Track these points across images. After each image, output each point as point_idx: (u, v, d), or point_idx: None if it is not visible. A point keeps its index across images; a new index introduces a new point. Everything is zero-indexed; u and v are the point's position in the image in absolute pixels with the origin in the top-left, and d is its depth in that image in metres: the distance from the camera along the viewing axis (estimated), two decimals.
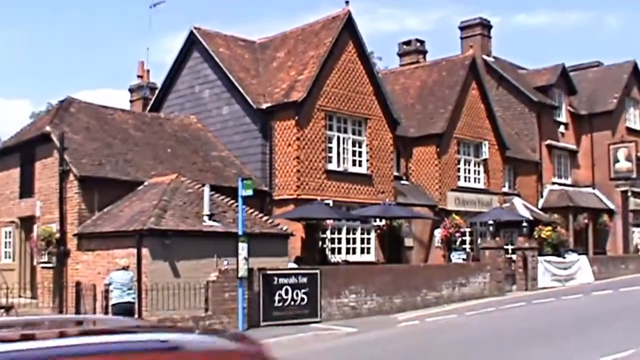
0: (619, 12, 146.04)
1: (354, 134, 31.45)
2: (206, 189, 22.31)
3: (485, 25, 46.70)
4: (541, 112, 44.99)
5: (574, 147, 48.10)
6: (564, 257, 36.05)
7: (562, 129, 47.10)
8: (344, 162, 30.80)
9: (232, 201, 23.08)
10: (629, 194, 47.93)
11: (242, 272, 20.03)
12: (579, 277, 35.34)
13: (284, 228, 24.23)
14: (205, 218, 21.87)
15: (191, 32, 32.89)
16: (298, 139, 28.96)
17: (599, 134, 48.32)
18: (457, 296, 27.63)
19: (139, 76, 37.82)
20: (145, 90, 36.89)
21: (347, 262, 29.31)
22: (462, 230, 35.12)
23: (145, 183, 24.55)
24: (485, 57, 45.46)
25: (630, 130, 49.89)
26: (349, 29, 31.46)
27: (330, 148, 30.37)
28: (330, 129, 30.49)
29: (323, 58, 30.17)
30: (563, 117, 47.45)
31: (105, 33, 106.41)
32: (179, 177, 24.15)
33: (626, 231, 47.82)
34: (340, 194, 30.19)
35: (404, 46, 46.82)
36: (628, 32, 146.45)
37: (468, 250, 35.51)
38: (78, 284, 20.84)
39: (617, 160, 46.95)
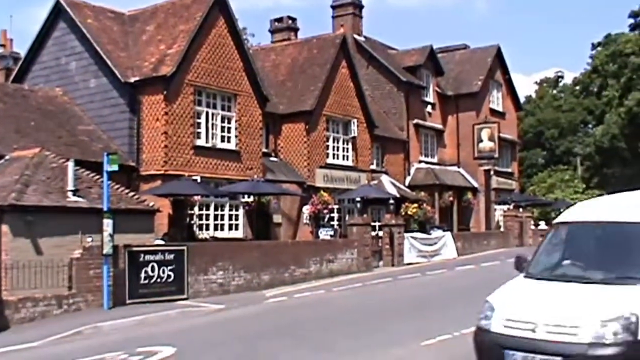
0: None
1: (223, 109, 31.27)
2: (70, 164, 21.72)
3: (357, 5, 47.18)
4: (409, 92, 45.81)
5: (440, 126, 49.26)
6: (430, 234, 36.93)
7: (429, 108, 48.14)
8: (212, 138, 30.61)
9: (97, 176, 22.52)
10: (492, 172, 49.55)
11: (107, 248, 19.67)
12: (443, 253, 36.24)
13: (151, 204, 23.86)
14: (70, 194, 21.28)
15: (57, 1, 31.81)
16: (166, 113, 28.59)
17: (464, 114, 49.68)
18: (325, 272, 27.90)
19: (1, 45, 36.47)
20: (7, 60, 35.58)
21: (215, 239, 29.22)
22: (330, 207, 35.51)
23: (7, 157, 23.68)
24: (356, 36, 45.93)
25: (494, 112, 51.55)
26: (220, 4, 31.20)
27: (199, 123, 30.13)
28: (199, 104, 30.23)
29: (193, 32, 29.85)
30: (430, 97, 48.49)
31: None
32: (43, 151, 23.39)
33: (489, 208, 49.39)
34: (208, 170, 30.03)
35: (276, 23, 46.80)
36: (495, 16, 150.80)
37: (336, 227, 35.93)
38: None
39: (480, 140, 48.37)
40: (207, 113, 30.51)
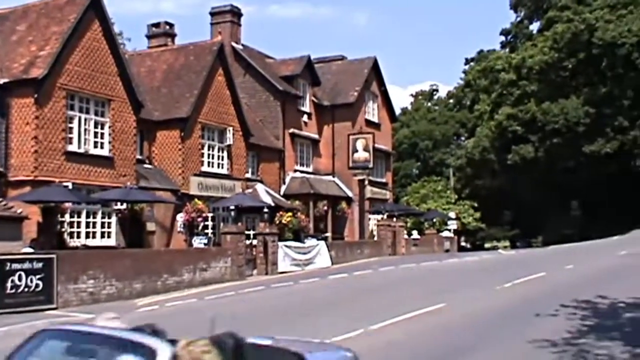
0: (366, 9, 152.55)
1: (96, 114, 30.70)
2: None
3: (236, 13, 47.11)
4: (286, 101, 46.02)
5: (316, 136, 49.62)
6: (304, 242, 37.12)
7: (305, 118, 48.42)
8: (85, 144, 29.99)
9: None
10: (366, 182, 50.22)
11: None
12: (317, 262, 36.53)
13: (19, 211, 23.27)
14: None
15: None
16: (37, 117, 27.85)
17: (340, 124, 50.18)
18: (198, 281, 27.72)
19: None
20: None
21: (86, 247, 28.62)
22: (204, 215, 35.27)
23: None
24: (234, 44, 45.85)
25: (369, 122, 52.27)
26: (95, 6, 30.61)
27: (71, 128, 29.47)
28: (72, 108, 29.58)
29: (66, 35, 29.18)
30: (307, 106, 48.78)
31: None
32: None
33: (362, 218, 50.05)
34: (80, 177, 29.40)
35: (153, 28, 46.18)
36: (374, 29, 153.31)
37: (210, 235, 35.74)
38: None
39: (355, 150, 48.97)
40: (79, 118, 29.89)
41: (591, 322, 15.22)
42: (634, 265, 28.67)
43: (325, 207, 45.70)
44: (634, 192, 63.73)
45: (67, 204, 28.04)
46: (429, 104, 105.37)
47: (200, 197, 35.64)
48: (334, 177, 49.97)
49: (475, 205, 69.44)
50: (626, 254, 34.01)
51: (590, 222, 64.81)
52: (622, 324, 15.10)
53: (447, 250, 53.13)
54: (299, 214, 40.54)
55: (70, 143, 29.34)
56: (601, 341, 13.07)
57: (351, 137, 49.30)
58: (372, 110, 53.91)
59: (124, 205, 31.08)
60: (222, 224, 36.48)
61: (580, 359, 11.70)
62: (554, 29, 65.86)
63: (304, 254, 35.87)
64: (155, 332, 7.09)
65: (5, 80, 28.46)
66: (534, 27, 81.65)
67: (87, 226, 30.14)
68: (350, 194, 49.57)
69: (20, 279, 20.47)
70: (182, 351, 6.15)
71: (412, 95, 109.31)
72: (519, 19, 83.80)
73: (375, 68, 53.95)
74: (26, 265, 20.76)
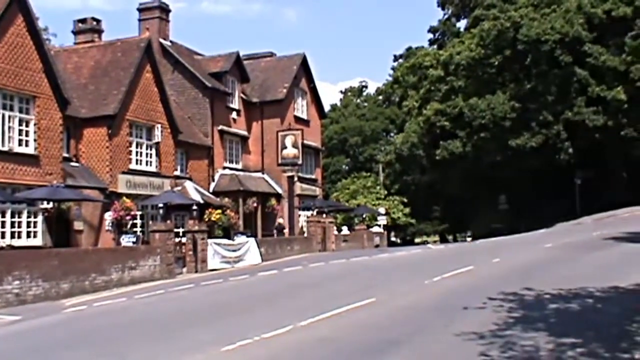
0: (296, 6, 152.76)
1: (20, 112, 30.15)
2: None
3: (164, 9, 46.68)
4: (214, 98, 45.85)
5: (245, 133, 49.53)
6: (234, 240, 37.01)
7: (234, 115, 48.33)
8: (9, 142, 29.43)
9: None
10: (295, 179, 50.30)
11: None
12: (247, 259, 36.46)
13: None
14: None
15: None
16: None
17: (269, 121, 50.22)
18: (127, 280, 27.49)
19: None
20: None
21: (11, 247, 28.08)
22: (132, 213, 34.90)
23: None
24: (162, 40, 45.48)
25: (298, 119, 52.43)
26: (18, 1, 30.07)
27: None
28: None
29: None
30: (236, 103, 48.70)
31: None
32: None
33: (292, 214, 50.09)
34: (4, 175, 28.87)
35: (80, 24, 45.39)
36: (304, 26, 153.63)
37: (139, 233, 35.39)
38: None
39: (284, 147, 49.00)
40: (3, 115, 29.32)
41: (517, 314, 15.44)
42: (559, 258, 29.17)
43: (255, 204, 45.63)
44: (559, 185, 64.98)
45: None
46: (358, 100, 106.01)
47: (128, 195, 35.26)
48: (263, 173, 49.95)
49: (405, 200, 70.08)
50: (551, 246, 34.60)
51: (518, 216, 65.83)
52: (547, 314, 15.36)
53: (377, 246, 53.49)
54: (228, 211, 40.43)
55: None
56: (527, 332, 13.28)
57: (280, 133, 49.33)
58: (301, 107, 54.06)
59: (51, 204, 30.62)
60: (150, 222, 36.25)
61: (507, 350, 11.85)
62: (481, 27, 66.76)
63: (234, 251, 35.78)
64: None
65: None
66: (461, 24, 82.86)
67: (12, 226, 29.58)
68: (279, 190, 49.59)
69: None
70: None
71: (341, 91, 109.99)
72: (446, 16, 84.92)
73: (304, 65, 54.14)
74: None
